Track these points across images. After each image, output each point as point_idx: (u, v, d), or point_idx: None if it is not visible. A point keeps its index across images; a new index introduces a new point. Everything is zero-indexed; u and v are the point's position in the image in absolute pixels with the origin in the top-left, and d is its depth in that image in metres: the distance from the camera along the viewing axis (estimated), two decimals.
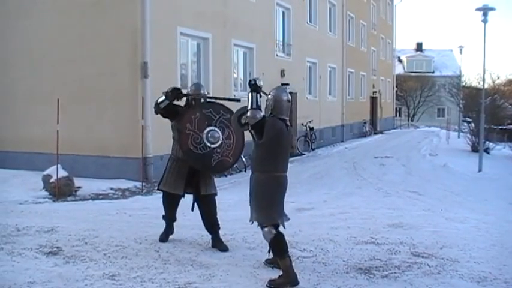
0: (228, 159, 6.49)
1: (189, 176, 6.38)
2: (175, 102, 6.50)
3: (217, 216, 6.46)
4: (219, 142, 6.40)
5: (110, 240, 6.49)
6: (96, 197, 11.10)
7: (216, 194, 6.54)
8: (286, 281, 4.90)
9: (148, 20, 12.40)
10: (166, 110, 6.47)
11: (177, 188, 6.42)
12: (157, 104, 6.47)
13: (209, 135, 6.37)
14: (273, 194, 5.08)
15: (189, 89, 6.75)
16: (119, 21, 12.66)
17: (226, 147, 6.44)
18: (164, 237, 6.60)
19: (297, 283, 4.91)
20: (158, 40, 12.81)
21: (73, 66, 13.09)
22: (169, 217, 6.68)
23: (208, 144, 6.36)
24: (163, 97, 6.37)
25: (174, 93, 6.34)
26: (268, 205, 5.07)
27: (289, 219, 5.31)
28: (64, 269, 5.36)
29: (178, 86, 6.51)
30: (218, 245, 6.30)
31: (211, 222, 6.41)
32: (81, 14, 13.02)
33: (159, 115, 6.60)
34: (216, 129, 6.42)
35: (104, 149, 12.67)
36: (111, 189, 11.69)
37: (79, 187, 11.39)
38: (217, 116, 6.45)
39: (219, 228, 6.40)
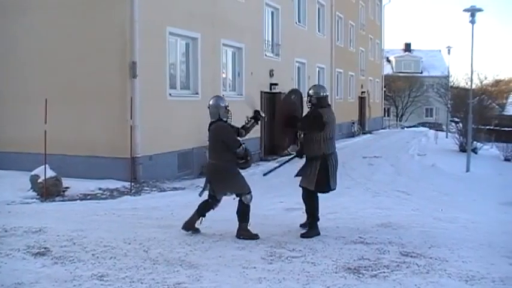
0: None
1: None
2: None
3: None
4: None
5: (98, 241, 6.46)
6: (84, 197, 11.05)
7: None
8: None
9: (137, 20, 12.35)
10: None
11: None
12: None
13: None
14: None
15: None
16: (107, 21, 12.60)
17: None
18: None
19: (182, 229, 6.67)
20: (147, 40, 12.76)
21: (61, 66, 13.01)
22: None
23: None
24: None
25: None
26: None
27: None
28: (52, 270, 5.32)
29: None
30: None
31: None
32: (69, 13, 12.94)
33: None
34: None
35: (93, 149, 12.60)
36: (100, 189, 11.64)
37: (67, 187, 11.34)
38: None
39: None
